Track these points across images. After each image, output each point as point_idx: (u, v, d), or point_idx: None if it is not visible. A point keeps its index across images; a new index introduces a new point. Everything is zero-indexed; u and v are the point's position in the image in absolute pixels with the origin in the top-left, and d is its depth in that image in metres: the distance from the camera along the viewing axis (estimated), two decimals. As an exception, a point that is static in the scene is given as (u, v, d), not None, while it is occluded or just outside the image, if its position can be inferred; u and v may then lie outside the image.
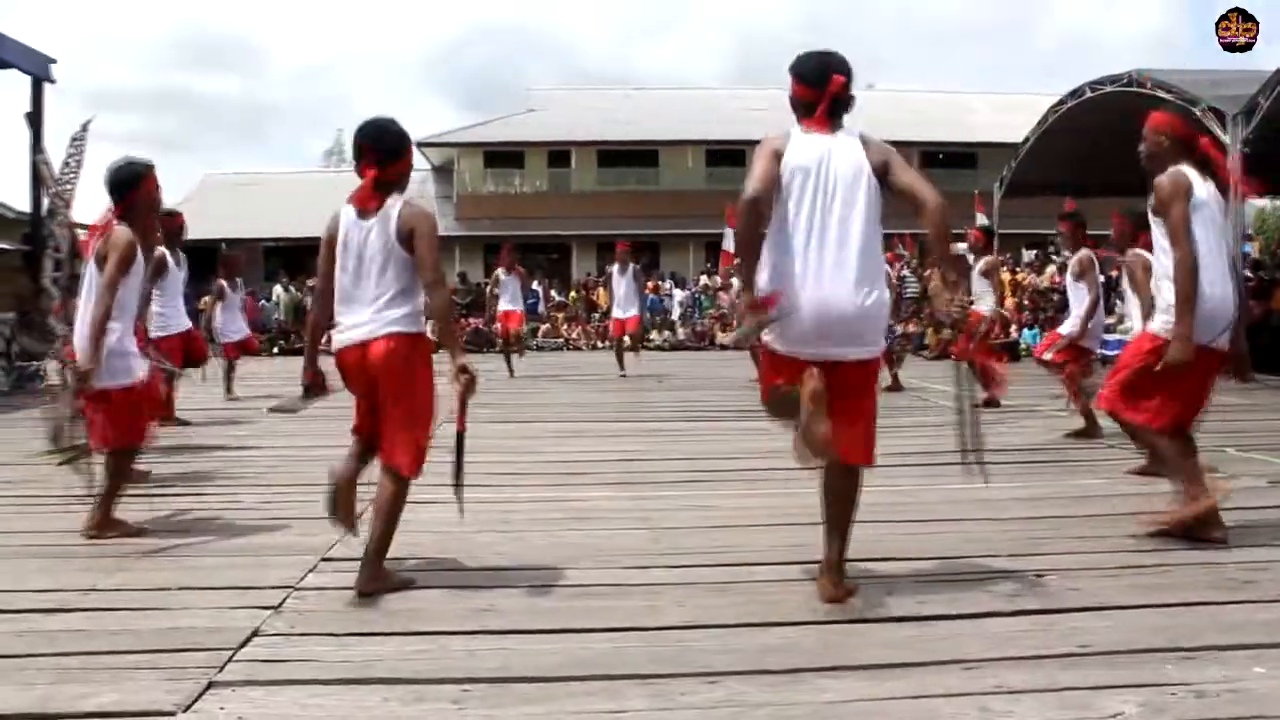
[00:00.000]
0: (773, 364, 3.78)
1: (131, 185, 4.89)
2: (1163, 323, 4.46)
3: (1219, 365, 4.55)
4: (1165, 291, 4.47)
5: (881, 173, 3.63)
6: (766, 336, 3.71)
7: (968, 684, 2.83)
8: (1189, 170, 4.43)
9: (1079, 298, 8.00)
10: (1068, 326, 8.19)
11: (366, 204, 3.82)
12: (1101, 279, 8.09)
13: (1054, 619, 3.41)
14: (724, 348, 24.29)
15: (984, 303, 10.28)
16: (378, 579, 3.78)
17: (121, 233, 4.75)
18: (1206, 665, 2.94)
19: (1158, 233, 4.50)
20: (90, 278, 4.78)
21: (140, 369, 4.85)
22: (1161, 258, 4.51)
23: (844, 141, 3.67)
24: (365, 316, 3.80)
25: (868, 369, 3.69)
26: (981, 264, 10.36)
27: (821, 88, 3.71)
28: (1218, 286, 4.41)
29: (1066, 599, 3.62)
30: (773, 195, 3.65)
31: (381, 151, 3.85)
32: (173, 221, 8.18)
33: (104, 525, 4.70)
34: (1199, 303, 4.33)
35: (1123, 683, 2.81)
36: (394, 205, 3.81)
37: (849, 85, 3.73)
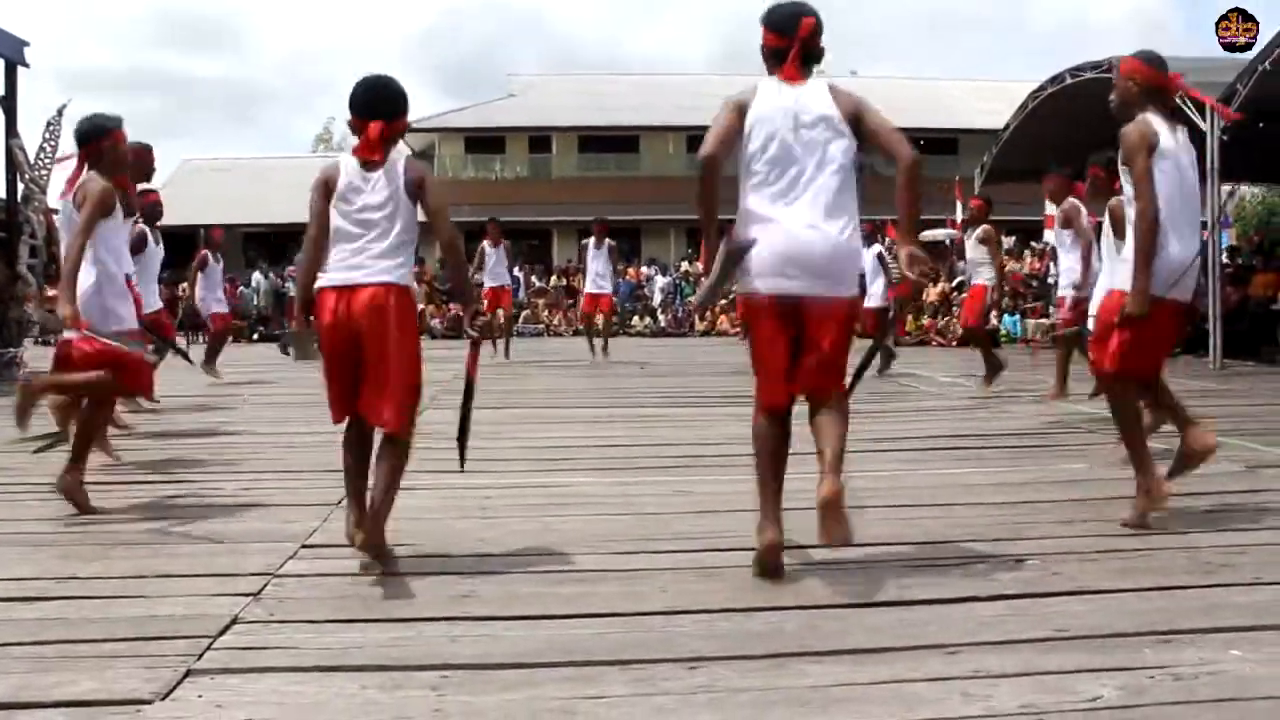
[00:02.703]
0: (749, 311, 3.78)
1: (94, 135, 4.90)
2: (1124, 274, 4.44)
3: (1181, 316, 4.56)
4: (1130, 241, 4.47)
5: (853, 121, 3.63)
6: (739, 287, 3.70)
7: (948, 668, 2.84)
8: (1155, 119, 4.38)
9: (1066, 247, 7.98)
10: (1065, 281, 8.16)
11: (372, 156, 3.80)
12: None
13: (1033, 603, 3.42)
14: (694, 315, 24.32)
15: (981, 273, 10.23)
16: (381, 535, 3.77)
17: (95, 179, 4.77)
18: (1184, 648, 2.96)
19: (1124, 183, 4.49)
20: (68, 222, 4.83)
21: (131, 319, 4.92)
22: (1128, 208, 4.51)
23: (812, 89, 3.68)
24: (358, 262, 3.77)
25: (842, 307, 3.68)
26: (979, 232, 10.25)
27: (791, 34, 3.72)
28: (1181, 238, 4.38)
29: (1046, 583, 3.63)
30: (729, 152, 3.66)
31: (387, 106, 3.86)
32: (147, 200, 8.09)
33: (73, 484, 4.69)
34: (1159, 254, 4.30)
35: (1101, 666, 2.82)
36: (399, 158, 3.83)
37: (818, 31, 3.73)
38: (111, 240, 4.89)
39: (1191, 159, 4.52)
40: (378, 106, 3.85)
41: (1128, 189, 4.45)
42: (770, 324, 3.70)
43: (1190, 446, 4.52)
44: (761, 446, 3.78)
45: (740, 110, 3.67)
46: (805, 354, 3.67)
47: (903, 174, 3.60)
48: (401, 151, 3.91)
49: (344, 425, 4.00)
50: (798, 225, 3.59)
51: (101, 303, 4.80)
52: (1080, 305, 7.94)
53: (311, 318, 3.94)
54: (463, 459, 3.97)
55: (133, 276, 5.28)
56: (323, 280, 3.84)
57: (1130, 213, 4.43)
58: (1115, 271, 4.93)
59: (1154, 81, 4.48)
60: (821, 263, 3.60)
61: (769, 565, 3.67)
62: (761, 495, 3.73)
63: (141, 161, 6.88)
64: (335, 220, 3.83)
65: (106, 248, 4.82)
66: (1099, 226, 6.85)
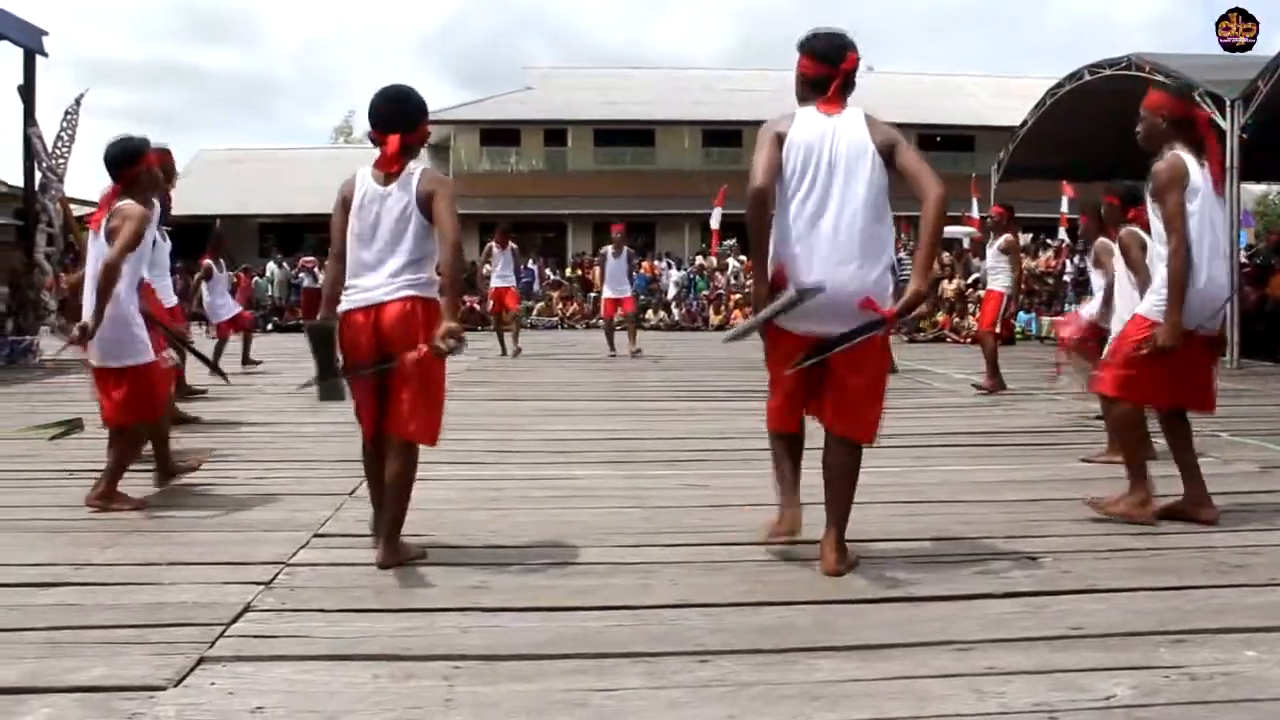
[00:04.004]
0: (773, 341, 3.79)
1: (128, 161, 4.86)
2: (1152, 304, 4.44)
3: (1210, 348, 4.57)
4: (1160, 274, 4.45)
5: (887, 154, 3.62)
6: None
7: (960, 665, 2.83)
8: (1185, 155, 4.38)
9: (1100, 284, 8.00)
10: (1088, 309, 8.19)
11: (390, 169, 3.81)
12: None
13: (1047, 601, 3.40)
14: (699, 304, 24.30)
15: (999, 280, 10.21)
16: (397, 553, 3.78)
17: (132, 207, 4.72)
18: (1198, 648, 2.94)
19: (1153, 218, 4.48)
20: (98, 252, 4.73)
21: (149, 347, 4.85)
22: (1157, 243, 4.50)
23: (848, 119, 3.67)
24: (379, 280, 3.76)
25: (869, 346, 3.67)
26: (1001, 241, 10.21)
27: (835, 65, 3.71)
28: (1212, 271, 4.39)
29: (1060, 581, 3.62)
30: (775, 182, 3.64)
31: (406, 119, 3.86)
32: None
33: (107, 497, 4.69)
34: (1191, 290, 4.31)
35: (1115, 665, 2.81)
36: (414, 171, 3.81)
37: (858, 64, 3.73)
38: (127, 273, 4.78)
39: (1221, 195, 4.52)
40: (396, 119, 3.84)
41: (1156, 224, 4.44)
42: (792, 349, 3.70)
43: (1191, 512, 4.47)
44: (776, 451, 3.88)
45: (780, 139, 3.65)
46: (830, 390, 3.69)
47: (930, 209, 3.55)
48: (420, 163, 3.89)
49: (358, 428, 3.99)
50: (830, 266, 3.57)
51: (117, 335, 4.72)
52: (1095, 330, 7.98)
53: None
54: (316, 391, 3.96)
55: (147, 278, 5.26)
56: (346, 302, 3.82)
57: (1161, 247, 4.42)
58: (1133, 298, 4.93)
59: (1181, 115, 4.48)
60: (852, 306, 3.59)
61: (790, 534, 3.81)
62: (780, 486, 3.85)
63: (162, 166, 6.73)
64: (352, 233, 3.83)
65: (125, 281, 4.74)
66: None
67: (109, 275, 4.59)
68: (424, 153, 35.97)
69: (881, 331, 3.69)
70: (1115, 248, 7.80)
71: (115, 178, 4.84)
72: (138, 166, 4.88)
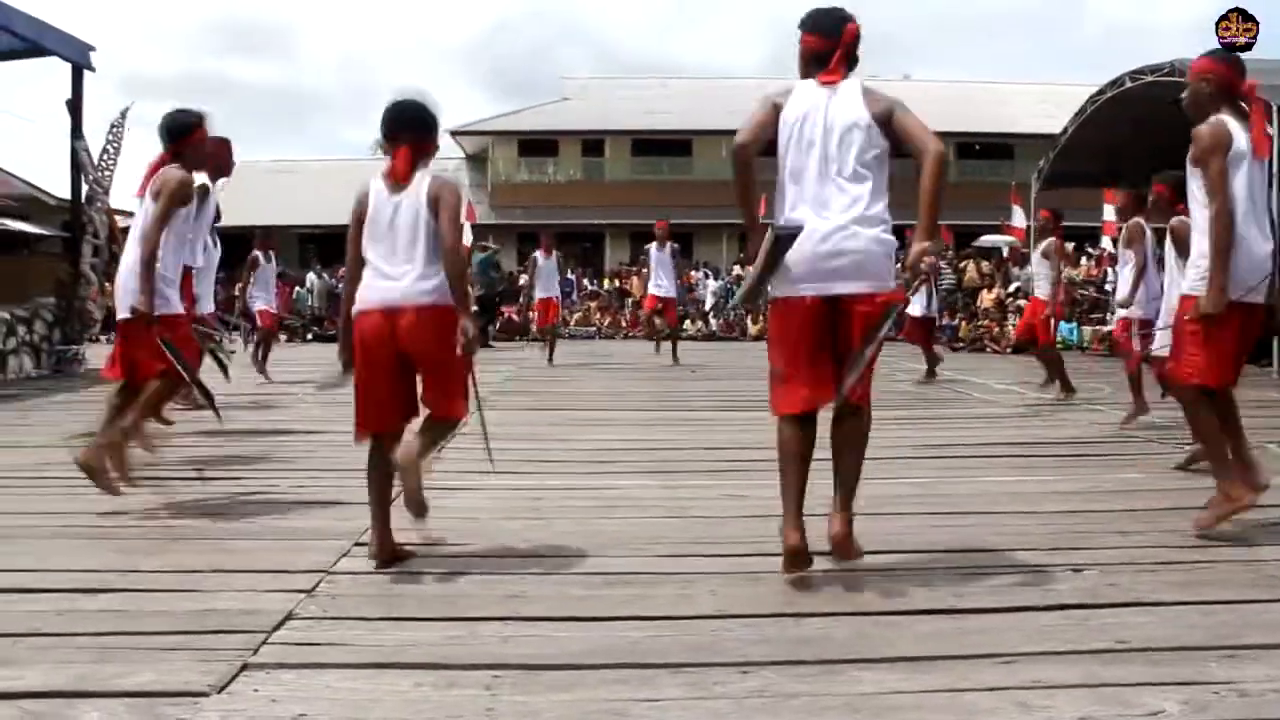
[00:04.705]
0: (783, 312, 3.75)
1: (182, 132, 4.97)
2: (1194, 278, 4.36)
3: (1255, 320, 4.45)
4: (1199, 245, 4.37)
5: (884, 121, 3.63)
6: (773, 289, 3.70)
7: (1005, 678, 2.80)
8: (1230, 120, 4.30)
9: (1127, 265, 7.93)
10: (1119, 297, 8.12)
11: (402, 179, 3.87)
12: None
13: (1092, 614, 3.35)
14: (737, 314, 24.25)
15: (1042, 287, 10.10)
16: (421, 488, 3.80)
17: (174, 171, 4.84)
18: (1249, 664, 2.89)
19: (1194, 185, 4.39)
20: (141, 215, 4.86)
21: (178, 305, 5.01)
22: (1196, 211, 4.42)
23: (845, 89, 3.69)
24: (396, 286, 3.82)
25: (875, 305, 3.64)
26: (1045, 245, 10.12)
27: (836, 37, 3.74)
28: (1255, 241, 4.31)
29: (1105, 594, 3.56)
30: (760, 143, 3.69)
31: (418, 129, 3.94)
32: None
33: (95, 457, 4.77)
34: (1234, 257, 4.23)
35: (1163, 680, 2.76)
36: (423, 178, 3.88)
37: (859, 37, 3.75)
38: (170, 239, 4.93)
39: (1263, 161, 4.42)
40: (406, 129, 3.93)
41: (1196, 190, 4.37)
42: (800, 325, 3.69)
43: (1227, 516, 4.35)
44: (785, 451, 3.79)
45: (776, 107, 3.71)
46: (839, 354, 3.67)
47: (928, 164, 3.53)
48: (430, 171, 3.95)
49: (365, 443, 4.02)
50: (829, 227, 3.60)
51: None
52: (1125, 322, 7.90)
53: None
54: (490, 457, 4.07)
55: (193, 270, 5.36)
56: (361, 303, 3.88)
57: (1200, 216, 4.35)
58: (1181, 282, 4.84)
59: (1228, 82, 4.39)
60: (855, 263, 3.60)
61: (795, 564, 3.69)
62: (784, 499, 3.76)
63: (219, 157, 6.74)
64: (367, 241, 3.90)
65: (165, 247, 4.88)
66: (1160, 239, 6.79)
67: (153, 234, 4.75)
68: (464, 164, 36.19)
69: (897, 316, 3.66)
70: (1147, 228, 7.72)
71: (167, 146, 4.95)
72: (191, 138, 5.00)
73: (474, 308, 4.22)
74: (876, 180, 3.65)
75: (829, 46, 3.73)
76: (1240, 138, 4.27)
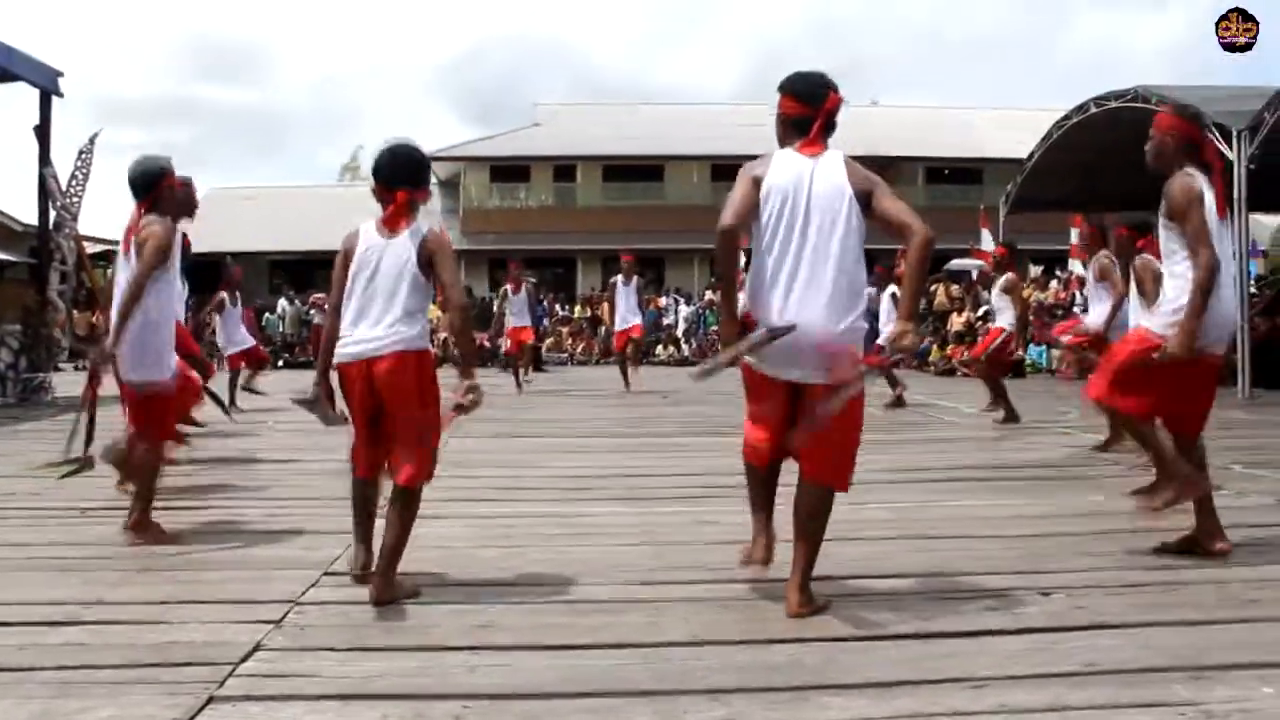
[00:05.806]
0: (750, 382, 3.82)
1: (153, 182, 4.93)
2: (1164, 323, 4.40)
3: (1215, 370, 4.52)
4: (1170, 291, 4.43)
5: (864, 198, 3.59)
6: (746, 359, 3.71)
7: (973, 703, 2.81)
8: (1197, 174, 4.38)
9: (1100, 298, 8.03)
10: (1091, 320, 8.23)
11: (396, 226, 3.88)
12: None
13: (1060, 637, 3.38)
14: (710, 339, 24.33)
15: (1003, 317, 10.32)
16: (391, 587, 3.79)
17: (157, 225, 4.80)
18: (1215, 685, 2.92)
19: (1167, 236, 4.45)
20: (129, 273, 4.81)
21: (171, 369, 4.95)
22: (1168, 261, 4.48)
23: (826, 162, 3.63)
24: (373, 333, 3.83)
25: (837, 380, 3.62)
26: (1003, 281, 10.38)
27: (817, 105, 3.69)
28: (1225, 291, 4.38)
29: (1072, 617, 3.59)
30: (748, 225, 3.63)
31: (412, 176, 3.96)
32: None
33: (139, 527, 4.75)
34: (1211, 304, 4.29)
35: (1131, 702, 2.79)
36: (418, 229, 3.90)
37: (840, 106, 3.71)
38: (162, 288, 4.87)
39: (1225, 221, 4.50)
40: (403, 176, 3.93)
41: (1168, 245, 4.44)
42: (769, 388, 3.73)
43: (1204, 544, 4.43)
44: (751, 480, 3.95)
45: (757, 182, 3.63)
46: (811, 440, 3.62)
47: (915, 250, 3.50)
48: (424, 220, 3.97)
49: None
50: (807, 319, 3.52)
51: (141, 352, 4.80)
52: (1096, 339, 8.00)
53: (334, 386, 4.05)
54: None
55: (177, 318, 5.36)
56: (341, 354, 3.90)
57: (1173, 265, 4.41)
58: (1145, 319, 4.92)
59: (1191, 137, 4.49)
60: (822, 352, 3.55)
61: (762, 562, 3.85)
62: (754, 518, 3.92)
63: (185, 198, 6.43)
64: (351, 286, 3.90)
65: (155, 295, 4.82)
66: (1125, 277, 6.95)
67: (137, 287, 4.71)
68: (435, 190, 36.07)
69: (866, 381, 3.63)
70: (1116, 262, 7.88)
71: (139, 197, 4.90)
72: (161, 186, 4.95)
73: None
74: (855, 253, 3.61)
75: (809, 114, 3.67)
76: (1207, 193, 4.34)
